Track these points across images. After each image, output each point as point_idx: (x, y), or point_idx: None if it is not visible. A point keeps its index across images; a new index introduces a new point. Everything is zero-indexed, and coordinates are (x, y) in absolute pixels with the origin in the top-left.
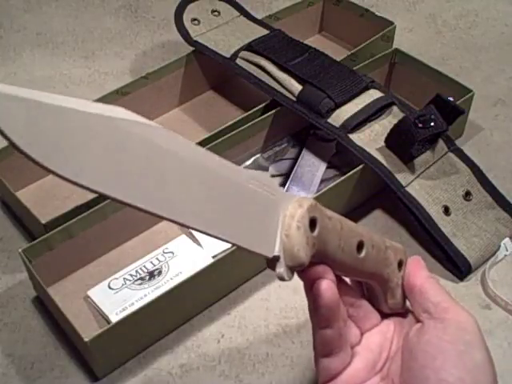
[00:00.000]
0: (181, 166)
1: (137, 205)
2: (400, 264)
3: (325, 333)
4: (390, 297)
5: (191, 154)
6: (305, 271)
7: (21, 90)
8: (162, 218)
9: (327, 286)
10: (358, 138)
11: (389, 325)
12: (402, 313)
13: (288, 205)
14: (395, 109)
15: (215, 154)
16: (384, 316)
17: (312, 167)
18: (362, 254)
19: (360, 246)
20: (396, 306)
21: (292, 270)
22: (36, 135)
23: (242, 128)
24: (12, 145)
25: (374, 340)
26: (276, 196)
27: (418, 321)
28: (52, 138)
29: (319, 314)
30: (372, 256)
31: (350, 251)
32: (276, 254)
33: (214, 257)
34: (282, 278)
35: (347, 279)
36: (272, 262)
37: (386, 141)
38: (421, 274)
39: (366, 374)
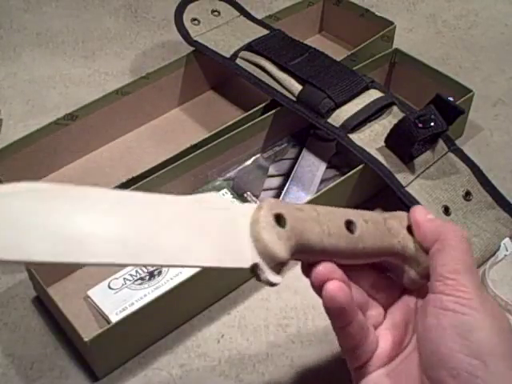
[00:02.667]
0: (126, 210)
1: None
2: (410, 229)
3: (345, 331)
4: (416, 264)
5: (127, 200)
6: (308, 274)
7: None
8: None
9: (335, 288)
10: (358, 138)
11: (410, 294)
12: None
13: (250, 213)
14: (395, 109)
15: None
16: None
17: (312, 167)
18: (356, 232)
19: (349, 225)
20: (426, 270)
21: (276, 270)
22: None
23: (242, 128)
24: None
25: (398, 314)
26: (231, 209)
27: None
28: None
29: (335, 316)
30: (370, 231)
31: (338, 233)
32: (253, 262)
33: None
34: (269, 283)
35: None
36: (255, 272)
37: (386, 141)
38: (420, 211)
39: (395, 351)
